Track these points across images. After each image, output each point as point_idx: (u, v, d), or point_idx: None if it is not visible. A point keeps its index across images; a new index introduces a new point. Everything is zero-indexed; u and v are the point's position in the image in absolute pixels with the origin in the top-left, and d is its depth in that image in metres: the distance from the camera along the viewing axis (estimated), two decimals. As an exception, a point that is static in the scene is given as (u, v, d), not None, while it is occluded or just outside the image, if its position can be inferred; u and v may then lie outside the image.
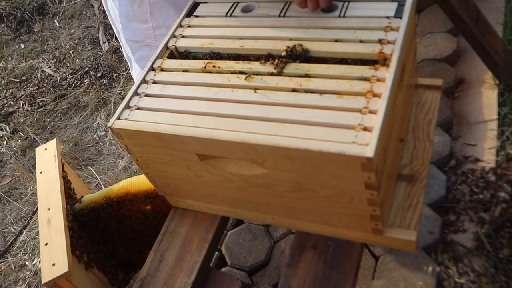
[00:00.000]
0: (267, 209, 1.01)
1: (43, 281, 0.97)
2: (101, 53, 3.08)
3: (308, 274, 0.97)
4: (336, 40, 0.93)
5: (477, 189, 1.54)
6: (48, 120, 2.77)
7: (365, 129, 0.77)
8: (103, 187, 2.20)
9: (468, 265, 1.37)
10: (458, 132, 1.74)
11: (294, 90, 0.88)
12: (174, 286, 1.04)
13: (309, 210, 0.94)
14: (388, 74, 0.83)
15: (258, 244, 1.60)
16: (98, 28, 3.28)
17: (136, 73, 1.60)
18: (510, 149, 1.58)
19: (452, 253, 1.41)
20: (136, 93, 1.00)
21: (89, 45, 3.22)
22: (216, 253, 1.62)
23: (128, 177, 2.18)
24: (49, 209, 1.11)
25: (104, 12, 3.42)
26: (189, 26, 1.11)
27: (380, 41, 0.89)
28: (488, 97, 1.77)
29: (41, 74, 3.11)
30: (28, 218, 2.21)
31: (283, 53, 0.94)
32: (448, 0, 1.52)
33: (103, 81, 2.87)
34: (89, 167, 2.34)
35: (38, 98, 2.94)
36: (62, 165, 1.26)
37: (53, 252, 1.02)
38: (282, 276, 0.99)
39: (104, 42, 3.15)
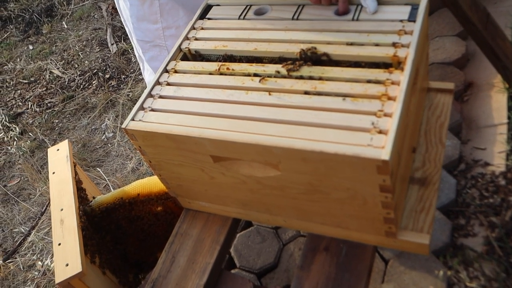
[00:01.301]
0: (280, 211, 1.02)
1: (57, 281, 0.98)
2: (109, 55, 3.10)
3: (320, 277, 0.98)
4: (350, 43, 0.94)
5: (487, 193, 1.54)
6: (57, 121, 2.78)
7: (380, 132, 0.77)
8: (111, 188, 2.21)
9: (478, 269, 1.36)
10: (468, 135, 1.74)
11: (308, 93, 0.88)
12: (186, 287, 1.04)
13: (322, 212, 0.95)
14: (402, 77, 0.83)
15: (267, 246, 1.60)
16: (106, 30, 3.30)
17: (148, 73, 1.61)
18: (520, 153, 1.58)
19: (462, 257, 1.41)
20: (150, 95, 1.01)
21: (97, 47, 3.23)
22: (225, 255, 1.62)
23: (136, 178, 2.20)
24: (62, 210, 1.12)
25: (112, 14, 3.44)
26: (202, 29, 1.11)
27: (394, 45, 0.90)
28: (497, 101, 1.77)
29: (49, 76, 3.12)
30: (37, 219, 2.22)
31: (297, 56, 0.95)
32: (458, 4, 1.52)
33: (111, 83, 2.88)
34: (98, 168, 2.35)
35: (47, 99, 2.96)
36: (74, 166, 1.26)
37: (67, 252, 1.02)
38: (295, 279, 1.00)
39: (112, 44, 3.17)
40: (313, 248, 1.03)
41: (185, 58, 1.09)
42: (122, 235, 1.27)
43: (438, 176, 1.02)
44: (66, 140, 1.33)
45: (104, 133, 2.58)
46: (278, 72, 0.94)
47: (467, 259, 1.40)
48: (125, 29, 3.25)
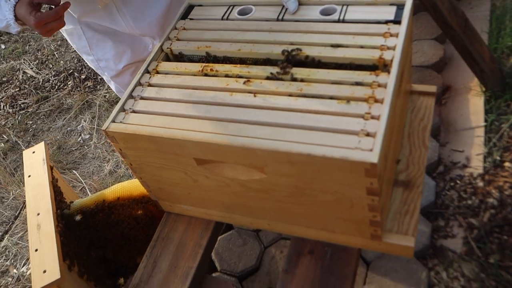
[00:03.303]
0: (264, 214, 1.00)
1: (34, 289, 0.94)
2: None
3: (305, 280, 0.97)
4: (335, 45, 0.93)
5: (465, 194, 1.56)
6: (31, 122, 2.71)
7: (368, 134, 0.77)
8: (88, 191, 2.16)
9: (458, 270, 1.38)
10: (446, 138, 1.76)
11: (294, 95, 0.87)
12: (168, 292, 1.02)
13: (307, 215, 0.94)
14: (389, 80, 0.83)
15: (248, 249, 1.59)
16: (82, 30, 3.23)
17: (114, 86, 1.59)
18: (497, 156, 1.60)
19: (442, 258, 1.42)
20: (131, 96, 0.98)
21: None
22: (205, 258, 1.60)
23: (114, 181, 2.16)
24: (38, 214, 1.08)
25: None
26: (184, 29, 1.09)
27: (380, 47, 0.89)
28: (475, 104, 1.80)
29: (22, 76, 3.04)
30: (10, 223, 2.15)
31: (282, 58, 0.94)
32: (438, 8, 1.54)
33: (87, 84, 2.82)
34: (74, 171, 2.30)
35: (20, 100, 2.88)
36: (51, 169, 1.23)
37: (44, 259, 0.99)
38: (279, 283, 0.98)
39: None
40: (297, 252, 1.02)
41: (166, 58, 1.07)
42: (101, 240, 1.24)
43: (422, 179, 1.02)
44: (42, 142, 1.29)
45: (81, 135, 2.52)
46: (263, 74, 0.92)
47: (447, 260, 1.42)
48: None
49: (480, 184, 1.56)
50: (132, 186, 1.21)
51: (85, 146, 2.45)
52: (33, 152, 1.27)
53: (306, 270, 0.99)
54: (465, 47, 1.62)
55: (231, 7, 1.10)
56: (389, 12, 0.94)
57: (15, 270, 1.93)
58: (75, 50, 3.07)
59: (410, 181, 1.01)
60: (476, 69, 1.71)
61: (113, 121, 0.95)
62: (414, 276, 1.39)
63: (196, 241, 1.10)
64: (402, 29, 0.90)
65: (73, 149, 2.45)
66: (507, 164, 1.57)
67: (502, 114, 1.70)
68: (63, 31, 1.46)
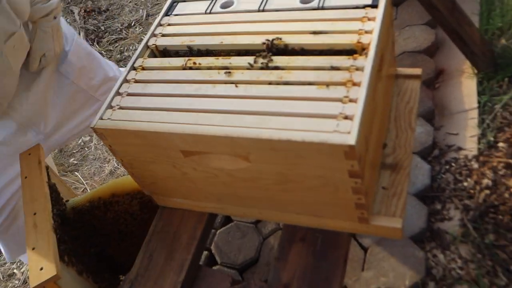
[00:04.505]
0: (254, 203, 1.02)
1: (32, 286, 0.96)
2: (82, 59, 3.05)
3: (298, 267, 0.98)
4: (315, 32, 0.94)
5: (460, 177, 1.56)
6: (31, 128, 2.73)
7: (346, 117, 0.78)
8: (89, 192, 2.19)
9: (455, 252, 1.39)
10: (440, 122, 1.77)
11: (274, 83, 0.88)
12: (164, 285, 1.04)
13: (295, 202, 0.95)
14: (366, 63, 0.84)
15: (247, 241, 1.60)
16: (79, 33, 3.26)
17: None
18: (491, 137, 1.61)
19: (440, 241, 1.43)
20: (118, 93, 1.00)
21: (70, 51, 3.18)
22: (206, 252, 1.62)
23: (114, 181, 2.18)
24: (35, 214, 1.10)
25: (84, 17, 3.39)
26: (169, 25, 1.11)
27: (358, 32, 0.90)
28: (467, 87, 1.80)
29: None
30: (14, 227, 2.18)
31: (263, 47, 0.95)
32: (423, -9, 1.54)
33: (85, 87, 2.84)
34: (75, 173, 2.32)
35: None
36: (47, 170, 1.24)
37: (41, 256, 1.01)
38: (272, 270, 1.00)
39: (85, 48, 3.13)
40: (289, 239, 1.04)
41: (152, 55, 1.08)
42: (99, 237, 1.26)
43: (409, 161, 1.03)
44: (38, 144, 1.31)
45: (81, 137, 2.55)
46: (244, 64, 0.93)
47: (444, 242, 1.42)
48: (98, 32, 3.21)
49: (475, 165, 1.57)
50: (125, 182, 1.23)
51: (86, 148, 2.47)
52: (29, 154, 1.29)
53: (298, 257, 1.01)
54: (454, 30, 1.62)
55: (214, 1, 1.11)
56: (366, -3, 0.95)
57: (19, 272, 1.96)
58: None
59: (397, 164, 1.02)
60: (467, 52, 1.71)
61: (101, 118, 0.96)
62: (412, 259, 1.40)
63: (191, 233, 1.11)
64: (379, 12, 0.91)
65: (74, 151, 2.48)
66: (500, 144, 1.57)
67: (495, 95, 1.70)
68: None
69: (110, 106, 0.98)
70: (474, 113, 1.69)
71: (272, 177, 0.90)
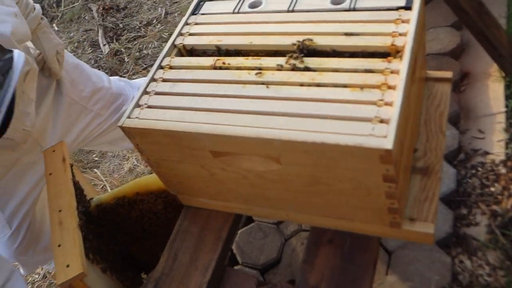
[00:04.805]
0: (282, 205, 1.01)
1: (58, 283, 0.96)
2: (101, 56, 3.08)
3: (325, 269, 0.97)
4: (347, 34, 0.93)
5: (487, 182, 1.53)
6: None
7: (381, 121, 0.76)
8: (109, 189, 2.20)
9: (482, 258, 1.36)
10: (466, 125, 1.74)
11: (306, 85, 0.87)
12: (189, 285, 1.03)
13: (324, 204, 0.94)
14: (401, 65, 0.82)
15: (269, 242, 1.59)
16: (98, 31, 3.28)
17: None
18: (519, 141, 1.57)
19: (466, 246, 1.41)
20: (145, 92, 1.00)
21: (89, 48, 3.21)
22: (226, 252, 1.61)
23: (133, 178, 2.19)
24: (60, 211, 1.10)
25: (102, 14, 3.41)
26: (196, 24, 1.10)
27: (391, 34, 0.88)
28: (494, 90, 1.77)
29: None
30: (35, 223, 2.20)
31: (294, 48, 0.94)
32: (452, -7, 1.51)
33: (105, 84, 2.85)
34: (95, 170, 2.34)
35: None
36: (71, 167, 1.25)
37: (67, 254, 1.01)
38: (299, 273, 0.99)
39: (104, 45, 3.14)
40: (316, 241, 1.02)
41: (179, 54, 1.07)
42: (123, 235, 1.26)
43: (440, 165, 1.01)
44: (62, 141, 1.31)
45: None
46: (275, 65, 0.92)
47: (470, 248, 1.40)
48: (116, 30, 3.22)
49: (503, 170, 1.54)
50: (150, 181, 1.22)
51: (105, 146, 2.48)
52: (54, 151, 1.29)
53: (326, 259, 0.99)
54: (482, 32, 1.59)
55: (242, 1, 1.10)
56: (400, -2, 0.93)
57: (40, 268, 1.97)
58: (92, 51, 3.14)
59: (428, 167, 1.00)
60: (495, 55, 1.68)
61: (129, 117, 0.96)
62: (438, 264, 1.38)
63: (216, 234, 1.11)
64: (413, 14, 0.89)
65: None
66: (529, 149, 1.54)
67: (524, 98, 1.67)
68: None
69: (138, 105, 0.98)
70: (502, 117, 1.66)
71: (302, 179, 0.89)
